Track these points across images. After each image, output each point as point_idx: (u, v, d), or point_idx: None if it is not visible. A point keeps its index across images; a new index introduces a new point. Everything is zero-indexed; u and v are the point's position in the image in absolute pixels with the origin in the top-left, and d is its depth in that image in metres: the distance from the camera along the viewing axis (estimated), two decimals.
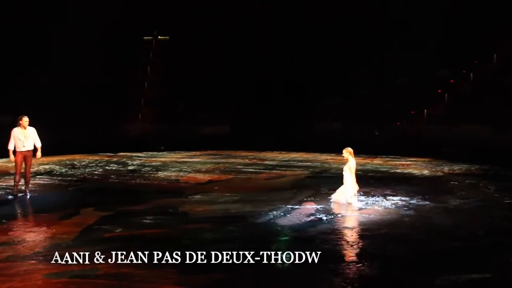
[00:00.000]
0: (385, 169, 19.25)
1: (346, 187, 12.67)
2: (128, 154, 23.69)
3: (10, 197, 13.44)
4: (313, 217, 11.44)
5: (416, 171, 18.61)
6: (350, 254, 8.92)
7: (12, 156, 13.55)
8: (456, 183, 16.12)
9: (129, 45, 32.46)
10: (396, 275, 7.87)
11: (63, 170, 18.55)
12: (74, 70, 28.89)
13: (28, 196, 13.46)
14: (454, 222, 11.12)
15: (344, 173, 12.79)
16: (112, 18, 29.92)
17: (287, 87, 30.12)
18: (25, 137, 13.42)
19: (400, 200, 13.21)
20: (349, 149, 12.80)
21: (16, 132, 13.42)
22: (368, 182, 16.00)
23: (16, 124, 13.52)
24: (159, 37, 34.59)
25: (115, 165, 20.04)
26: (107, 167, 19.46)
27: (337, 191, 12.87)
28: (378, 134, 27.62)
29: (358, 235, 10.14)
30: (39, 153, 13.70)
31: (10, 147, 13.46)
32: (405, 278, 7.75)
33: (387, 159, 22.10)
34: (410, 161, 21.46)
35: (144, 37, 34.39)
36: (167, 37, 34.45)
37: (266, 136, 26.65)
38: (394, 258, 8.62)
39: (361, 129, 27.35)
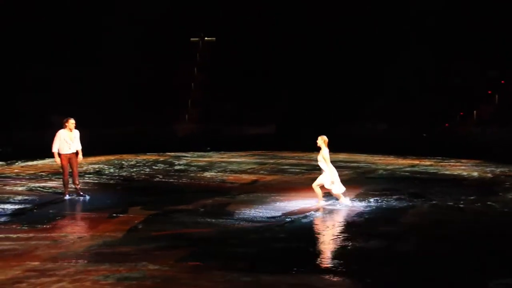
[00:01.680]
0: (434, 171, 18.93)
1: (324, 176, 12.51)
2: (175, 154, 23.88)
3: (66, 197, 13.47)
4: (357, 217, 11.34)
5: (465, 173, 18.25)
6: (394, 254, 8.78)
7: (58, 159, 13.39)
8: (508, 184, 15.75)
9: (176, 46, 32.75)
10: (448, 277, 7.72)
11: (111, 170, 18.82)
12: (122, 69, 29.25)
13: (82, 197, 13.41)
14: (506, 223, 10.86)
15: (319, 163, 12.69)
16: (160, 19, 30.22)
17: (334, 87, 29.92)
18: (71, 139, 13.32)
19: (447, 201, 12.98)
20: (324, 137, 12.70)
21: (62, 134, 13.30)
22: (413, 183, 15.80)
23: (62, 126, 13.37)
24: (206, 38, 34.81)
25: (162, 165, 20.23)
26: (154, 167, 19.66)
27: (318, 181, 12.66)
28: (426, 136, 27.22)
29: (403, 234, 9.98)
30: (80, 156, 13.60)
31: (55, 149, 13.30)
32: (456, 280, 7.59)
33: (435, 160, 21.72)
34: (460, 162, 21.05)
35: (191, 39, 34.66)
36: (214, 38, 34.65)
37: (312, 137, 26.50)
38: (444, 259, 8.46)
39: (408, 130, 27.00)
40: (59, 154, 13.34)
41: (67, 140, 13.30)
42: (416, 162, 21.12)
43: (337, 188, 12.52)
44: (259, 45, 31.88)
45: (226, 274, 7.73)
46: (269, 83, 30.80)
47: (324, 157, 12.50)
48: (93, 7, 29.52)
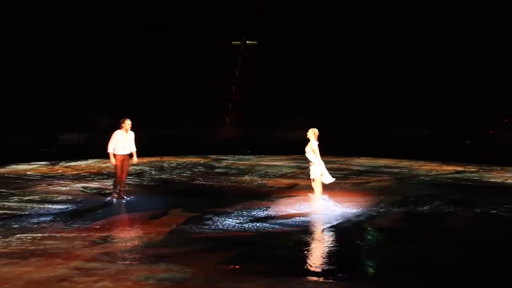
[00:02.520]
0: (477, 178, 18.60)
1: (312, 167, 12.62)
2: (216, 156, 24.00)
3: (109, 199, 13.56)
4: (394, 223, 11.23)
5: (510, 181, 17.88)
6: (429, 261, 8.66)
7: (113, 159, 13.35)
8: None
9: (218, 49, 32.93)
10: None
11: (153, 172, 19.01)
12: (165, 71, 29.53)
13: (124, 200, 13.48)
14: None
15: (307, 154, 12.76)
16: (202, 22, 30.43)
17: (376, 91, 29.69)
18: (126, 141, 13.34)
19: (489, 209, 12.74)
20: (315, 130, 12.80)
21: (118, 135, 13.29)
22: (455, 190, 15.57)
23: (119, 126, 13.38)
24: (247, 41, 34.91)
25: (203, 168, 20.36)
26: (194, 169, 19.79)
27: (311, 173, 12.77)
28: (469, 143, 26.79)
29: (440, 240, 9.83)
30: (135, 158, 13.60)
31: (111, 149, 13.28)
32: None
33: (480, 167, 21.33)
34: (505, 170, 20.63)
35: (233, 42, 34.81)
36: (255, 42, 34.72)
37: (353, 141, 26.37)
38: (482, 268, 8.31)
39: (451, 136, 26.61)
40: (114, 155, 13.35)
41: (123, 141, 13.31)
42: (461, 168, 20.78)
43: (327, 179, 12.72)
44: (300, 48, 31.82)
45: (265, 278, 7.72)
46: (309, 87, 30.70)
47: (313, 149, 12.64)
48: (134, 8, 29.85)
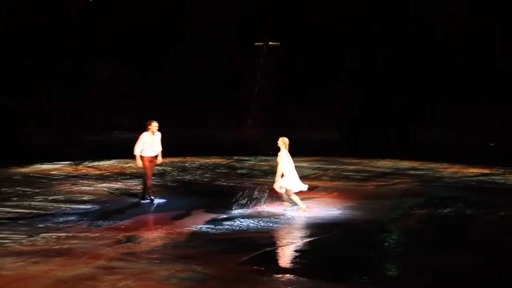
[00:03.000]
0: (502, 181, 18.40)
1: (285, 176, 12.57)
2: (238, 157, 24.05)
3: (140, 200, 13.56)
4: (424, 224, 11.17)
5: None
6: (448, 264, 8.60)
7: (140, 162, 13.32)
8: None
9: (241, 50, 32.98)
10: None
11: (175, 172, 19.10)
12: (187, 72, 29.64)
13: (152, 201, 13.46)
14: None
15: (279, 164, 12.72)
16: (222, 23, 30.50)
17: (400, 93, 29.51)
18: (153, 142, 13.34)
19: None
20: (285, 139, 12.87)
21: (145, 136, 13.27)
22: (478, 193, 15.44)
23: (145, 128, 13.37)
24: (270, 43, 34.93)
25: (225, 168, 20.40)
26: (217, 170, 19.85)
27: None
28: (493, 146, 26.51)
29: (458, 243, 9.76)
30: (160, 158, 13.63)
31: (137, 152, 13.25)
32: None
33: (506, 170, 21.07)
34: None
35: (255, 43, 34.85)
36: (278, 43, 34.72)
37: (376, 143, 26.25)
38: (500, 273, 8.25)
39: (476, 139, 26.34)
40: (142, 157, 13.34)
41: (150, 143, 13.30)
42: (487, 171, 20.56)
43: (297, 186, 12.59)
44: (322, 49, 31.75)
45: (286, 279, 7.73)
46: (333, 88, 30.62)
47: (279, 159, 12.64)
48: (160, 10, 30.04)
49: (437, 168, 21.43)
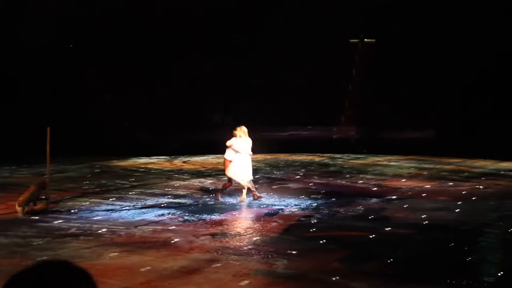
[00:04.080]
0: None
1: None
2: (330, 155, 23.93)
3: (219, 199, 13.65)
4: None
5: None
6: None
7: (229, 167, 13.24)
8: None
9: (335, 47, 32.74)
10: None
11: (268, 169, 19.23)
12: (284, 69, 29.70)
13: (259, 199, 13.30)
14: None
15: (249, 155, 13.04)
16: (317, 20, 30.36)
17: (501, 92, 28.39)
18: (243, 148, 13.06)
19: None
20: (243, 128, 13.03)
21: (236, 142, 13.00)
22: None
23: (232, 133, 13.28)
24: (365, 39, 34.49)
25: (317, 166, 20.34)
26: (309, 167, 19.82)
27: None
28: None
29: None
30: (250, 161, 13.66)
31: (228, 156, 13.13)
32: None
33: None
34: None
35: (350, 40, 34.50)
36: (373, 40, 34.23)
37: (474, 143, 25.37)
38: None
39: None
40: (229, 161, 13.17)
41: (240, 148, 13.06)
42: None
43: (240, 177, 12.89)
44: (419, 47, 30.99)
45: (376, 279, 7.64)
46: (428, 87, 29.87)
47: (228, 144, 12.94)
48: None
49: None
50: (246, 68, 29.09)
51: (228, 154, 13.13)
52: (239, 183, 13.11)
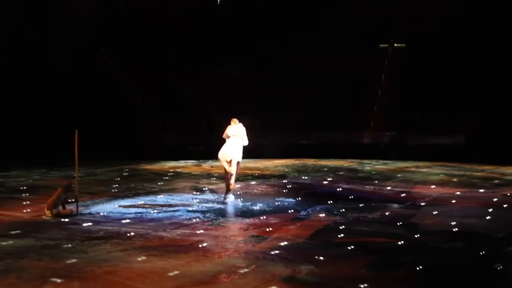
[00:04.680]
0: None
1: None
2: (359, 160, 23.80)
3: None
4: None
5: None
6: None
7: None
8: None
9: (365, 52, 32.58)
10: None
11: (295, 174, 19.21)
12: (309, 73, 29.63)
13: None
14: None
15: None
16: (347, 25, 30.24)
17: None
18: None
19: None
20: (234, 119, 14.49)
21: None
22: None
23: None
24: (395, 44, 34.26)
25: (345, 171, 20.25)
26: (338, 173, 19.74)
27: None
28: None
29: None
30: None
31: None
32: None
33: None
34: None
35: (380, 45, 34.30)
36: (403, 44, 33.98)
37: (506, 149, 25.00)
38: None
39: None
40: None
41: (229, 132, 14.39)
42: None
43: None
44: (450, 53, 30.68)
45: (404, 287, 7.57)
46: (459, 92, 29.53)
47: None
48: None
49: None
50: (275, 73, 29.11)
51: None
52: (225, 169, 14.09)
